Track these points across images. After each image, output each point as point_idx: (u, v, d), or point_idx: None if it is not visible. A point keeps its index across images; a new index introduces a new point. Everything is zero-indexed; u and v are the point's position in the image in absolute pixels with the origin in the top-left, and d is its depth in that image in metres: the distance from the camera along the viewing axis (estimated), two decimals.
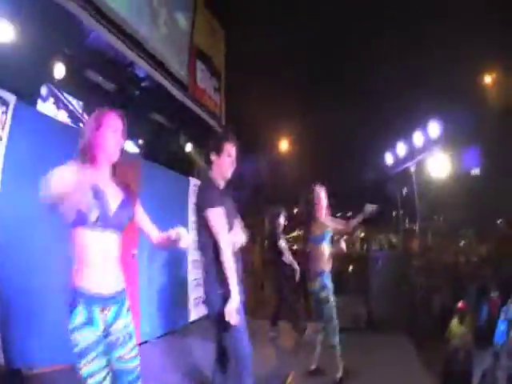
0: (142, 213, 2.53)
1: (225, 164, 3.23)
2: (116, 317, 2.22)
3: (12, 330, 4.02)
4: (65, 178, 1.94)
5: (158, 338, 6.28)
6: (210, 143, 3.38)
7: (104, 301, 2.18)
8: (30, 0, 4.96)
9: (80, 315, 2.11)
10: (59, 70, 5.69)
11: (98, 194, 2.17)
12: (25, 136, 4.32)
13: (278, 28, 14.33)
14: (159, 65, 7.19)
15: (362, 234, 25.15)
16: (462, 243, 16.38)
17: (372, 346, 6.43)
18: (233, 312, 2.80)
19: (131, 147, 7.52)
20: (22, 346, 4.10)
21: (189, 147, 8.62)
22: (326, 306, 4.75)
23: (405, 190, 12.31)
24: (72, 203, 2.05)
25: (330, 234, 4.93)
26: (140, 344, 5.71)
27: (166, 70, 7.39)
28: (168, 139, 8.02)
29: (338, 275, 6.61)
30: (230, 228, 3.09)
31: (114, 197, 2.28)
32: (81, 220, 2.11)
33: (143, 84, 7.23)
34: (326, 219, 4.92)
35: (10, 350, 3.98)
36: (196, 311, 7.58)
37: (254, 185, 11.07)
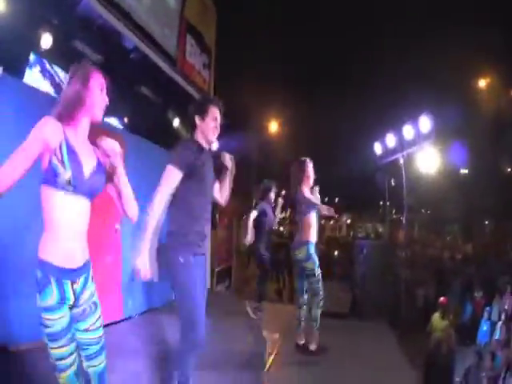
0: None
1: (209, 127, 3.13)
2: (83, 287, 2.15)
3: None
4: (43, 130, 1.97)
5: (141, 314, 6.25)
6: (193, 105, 3.25)
7: (74, 273, 2.10)
8: None
9: (53, 293, 2.02)
10: (46, 39, 5.47)
11: (71, 152, 2.06)
12: (9, 108, 4.17)
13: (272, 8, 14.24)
14: (146, 36, 6.93)
15: (349, 221, 25.52)
16: (447, 238, 16.55)
17: (354, 332, 6.42)
18: (137, 267, 2.77)
19: (116, 120, 7.31)
20: (7, 322, 3.98)
21: (176, 122, 8.45)
22: (311, 279, 4.86)
23: (393, 181, 12.25)
24: (45, 154, 1.99)
25: (315, 206, 4.99)
26: (123, 320, 5.77)
27: (153, 42, 7.14)
28: (155, 113, 7.80)
29: (324, 259, 6.56)
30: (204, 189, 3.10)
31: (88, 160, 2.16)
32: (52, 177, 2.00)
33: (131, 56, 6.98)
34: (311, 192, 5.01)
35: None
36: None
37: (242, 161, 10.96)
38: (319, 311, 4.86)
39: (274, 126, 13.03)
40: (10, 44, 4.76)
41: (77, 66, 2.25)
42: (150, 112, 7.66)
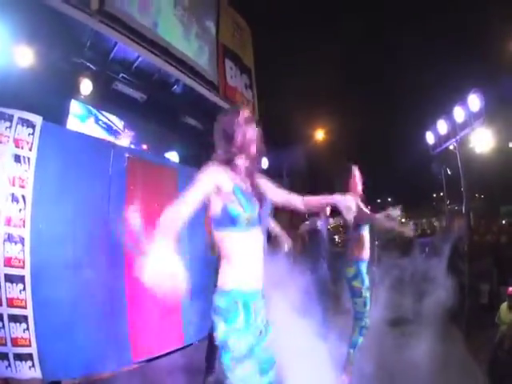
0: (275, 187, 2.57)
1: None
2: (260, 307, 2.29)
3: (50, 342, 4.08)
4: (208, 182, 2.15)
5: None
6: None
7: (256, 295, 2.26)
8: (49, 21, 5.04)
9: (241, 316, 2.16)
10: (86, 86, 5.76)
11: (245, 194, 2.23)
12: (55, 154, 4.42)
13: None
14: (188, 68, 7.24)
15: (404, 220, 24.59)
16: (503, 221, 15.61)
17: (420, 336, 6.35)
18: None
19: (170, 155, 7.67)
20: (61, 358, 4.14)
21: None
22: (356, 299, 4.28)
23: (449, 170, 11.86)
24: (218, 205, 2.19)
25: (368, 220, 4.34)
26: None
27: (195, 73, 7.44)
28: (203, 141, 8.00)
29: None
30: None
31: (255, 194, 2.33)
32: (231, 220, 2.18)
33: (173, 89, 7.29)
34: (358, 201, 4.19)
35: (48, 361, 4.04)
36: None
37: (292, 174, 11.05)
38: (360, 339, 4.23)
39: (321, 135, 12.89)
40: (50, 94, 5.05)
41: (222, 115, 2.42)
42: (199, 140, 7.79)
